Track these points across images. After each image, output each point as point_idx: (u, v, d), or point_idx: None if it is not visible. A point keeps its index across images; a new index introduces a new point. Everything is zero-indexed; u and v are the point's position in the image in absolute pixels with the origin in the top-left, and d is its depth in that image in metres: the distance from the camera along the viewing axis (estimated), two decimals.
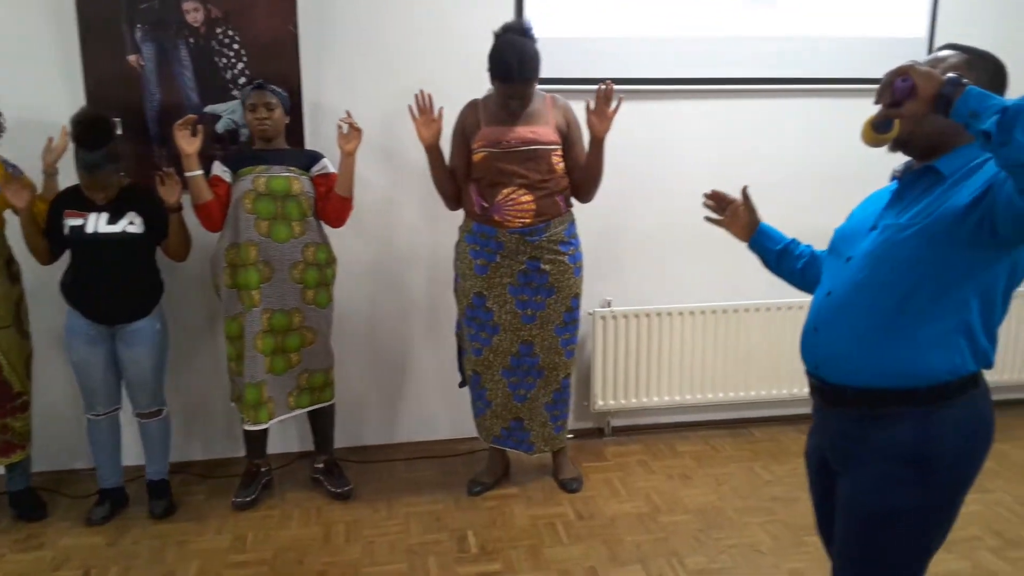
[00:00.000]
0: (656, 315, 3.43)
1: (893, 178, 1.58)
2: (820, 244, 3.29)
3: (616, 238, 3.36)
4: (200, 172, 2.78)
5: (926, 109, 1.25)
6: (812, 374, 1.61)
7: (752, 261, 3.67)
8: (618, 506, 2.95)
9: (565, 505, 2.95)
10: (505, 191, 2.76)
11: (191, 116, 2.79)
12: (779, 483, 3.13)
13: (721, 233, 2.25)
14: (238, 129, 3.10)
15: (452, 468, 3.25)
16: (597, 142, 2.77)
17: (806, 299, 3.72)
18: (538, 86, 2.78)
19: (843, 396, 1.52)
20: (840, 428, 1.56)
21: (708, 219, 2.04)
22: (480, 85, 3.12)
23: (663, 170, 3.41)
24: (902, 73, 1.26)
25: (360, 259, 3.26)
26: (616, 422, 3.59)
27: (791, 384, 3.58)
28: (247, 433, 2.96)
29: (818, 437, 1.68)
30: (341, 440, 3.24)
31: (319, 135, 3.11)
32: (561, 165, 2.81)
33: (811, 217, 3.53)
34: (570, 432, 3.22)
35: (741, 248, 3.80)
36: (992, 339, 1.47)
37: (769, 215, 3.55)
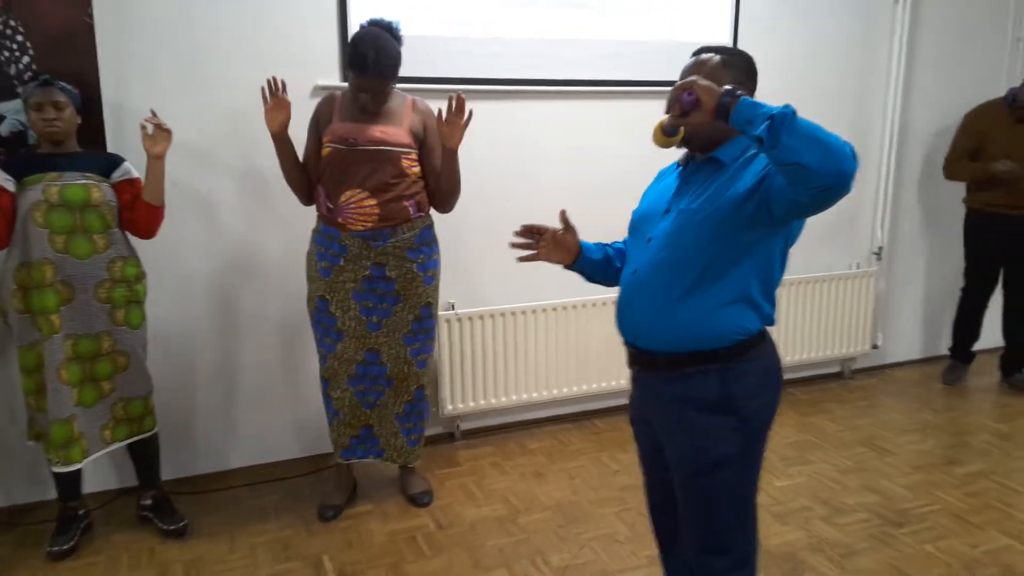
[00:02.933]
0: (500, 315, 3.41)
1: (679, 165, 1.78)
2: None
3: (457, 240, 3.29)
4: None
5: (709, 119, 1.43)
6: (629, 344, 1.77)
7: None
8: (476, 511, 2.90)
9: (423, 516, 2.86)
10: (348, 192, 2.62)
11: None
12: (626, 472, 3.21)
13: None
14: (26, 131, 2.72)
15: (298, 490, 3.06)
16: (449, 152, 2.66)
17: None
18: (397, 87, 2.68)
19: (656, 361, 1.70)
20: (658, 391, 1.73)
21: (521, 259, 1.89)
22: (302, 80, 2.96)
23: (507, 170, 3.40)
24: (687, 88, 1.43)
25: (173, 271, 2.96)
26: (465, 425, 3.54)
27: (628, 374, 3.69)
28: (57, 475, 2.62)
29: (640, 403, 1.84)
30: (168, 472, 2.94)
31: (123, 137, 2.80)
32: (415, 169, 2.69)
33: None
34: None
35: None
36: (772, 301, 1.69)
37: (620, 215, 3.64)
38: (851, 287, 4.16)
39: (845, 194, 1.39)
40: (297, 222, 2.92)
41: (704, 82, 1.42)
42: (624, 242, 1.95)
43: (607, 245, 1.95)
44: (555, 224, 1.88)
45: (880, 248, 4.29)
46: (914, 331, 4.58)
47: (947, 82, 4.26)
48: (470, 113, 2.62)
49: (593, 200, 3.53)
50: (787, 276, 3.63)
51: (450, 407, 3.39)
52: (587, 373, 3.63)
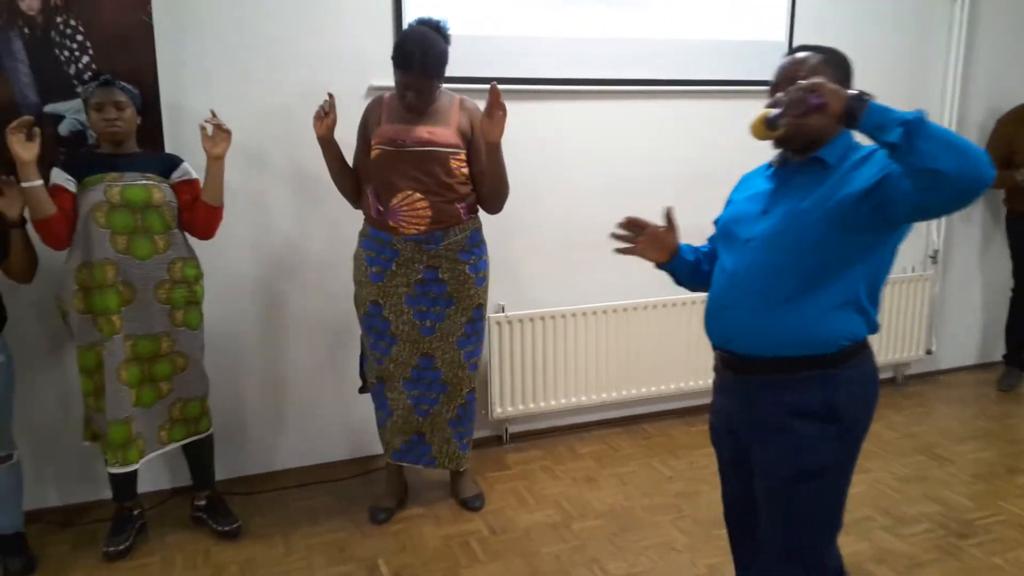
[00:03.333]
0: (551, 318, 3.38)
1: (771, 165, 1.74)
2: (698, 241, 3.37)
3: (507, 242, 3.26)
4: (40, 182, 2.40)
5: (832, 123, 1.42)
6: (722, 349, 1.72)
7: (640, 260, 3.65)
8: (529, 516, 2.86)
9: (476, 521, 2.83)
10: (400, 195, 2.59)
11: (27, 118, 2.40)
12: (679, 478, 3.16)
13: (605, 235, 2.16)
14: (85, 131, 2.74)
15: (349, 492, 3.04)
16: (491, 148, 2.60)
17: (692, 295, 3.81)
18: (444, 86, 2.65)
19: (755, 366, 1.65)
20: (754, 396, 1.67)
21: (619, 250, 1.88)
22: (356, 81, 2.95)
23: (553, 171, 3.37)
24: (815, 90, 1.38)
25: (222, 271, 2.95)
26: (514, 428, 3.51)
27: (678, 378, 3.65)
28: (113, 475, 2.63)
29: (728, 411, 1.78)
30: (219, 472, 2.94)
31: (180, 138, 2.81)
32: (464, 170, 2.64)
33: (702, 215, 3.61)
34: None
35: None
36: (878, 305, 1.66)
37: (644, 212, 3.60)
38: (906, 291, 4.06)
39: (977, 199, 1.40)
40: (346, 223, 2.91)
41: (832, 85, 1.38)
42: (709, 245, 1.92)
43: (696, 248, 1.93)
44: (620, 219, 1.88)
45: (936, 251, 4.19)
46: (969, 336, 4.47)
47: (1003, 83, 4.15)
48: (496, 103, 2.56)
49: (643, 200, 3.48)
50: None
51: (499, 410, 3.36)
52: (636, 377, 3.58)
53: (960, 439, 3.53)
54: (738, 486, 1.83)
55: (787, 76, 1.61)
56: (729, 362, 1.72)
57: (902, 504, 2.93)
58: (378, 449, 2.98)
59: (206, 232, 2.67)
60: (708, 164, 3.57)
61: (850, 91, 1.39)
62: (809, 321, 1.57)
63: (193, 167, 2.65)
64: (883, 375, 4.21)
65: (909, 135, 1.32)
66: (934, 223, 4.14)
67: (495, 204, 2.75)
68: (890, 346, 4.09)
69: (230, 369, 3.06)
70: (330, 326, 3.17)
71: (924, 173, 1.33)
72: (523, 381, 3.38)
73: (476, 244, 2.75)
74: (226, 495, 2.88)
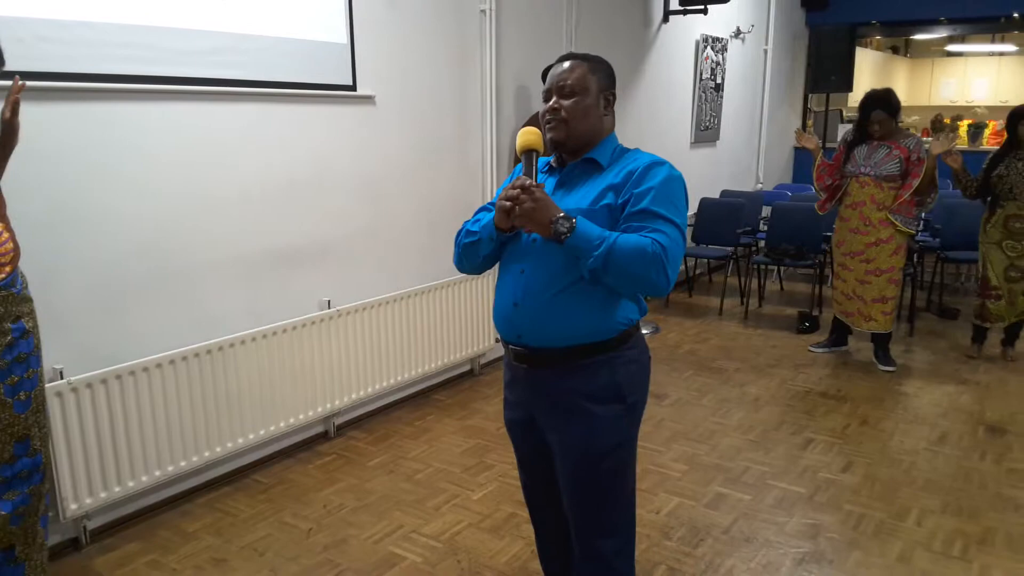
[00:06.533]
0: (129, 374, 2.67)
1: (547, 167, 1.84)
2: (281, 262, 3.03)
3: (52, 286, 2.47)
4: None
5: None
6: (515, 343, 1.77)
7: (237, 290, 3.18)
8: None
9: None
10: None
11: None
12: (321, 528, 2.79)
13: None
14: None
15: None
16: None
17: (275, 325, 3.37)
18: None
19: (548, 357, 1.73)
20: (549, 386, 1.76)
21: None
22: None
23: (101, 192, 2.63)
24: (524, 219, 1.60)
25: None
26: (93, 524, 2.71)
27: (286, 415, 3.25)
28: None
29: (524, 403, 1.84)
30: None
31: None
32: None
33: (274, 230, 3.22)
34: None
35: (207, 281, 3.23)
36: None
37: (226, 232, 3.18)
38: (474, 288, 4.24)
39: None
40: None
41: (543, 215, 1.57)
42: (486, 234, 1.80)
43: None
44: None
45: None
46: None
47: (526, 87, 4.60)
48: (16, 102, 1.94)
49: (223, 219, 3.01)
50: None
51: (74, 506, 2.56)
52: (240, 424, 3.07)
53: None
54: (538, 475, 1.92)
55: (558, 84, 1.73)
56: (522, 356, 1.77)
57: None
58: None
59: None
60: (295, 173, 3.24)
61: (557, 223, 1.56)
62: (592, 311, 1.68)
63: None
64: (461, 369, 4.38)
65: (596, 272, 1.57)
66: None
67: None
68: (467, 342, 4.25)
69: None
70: None
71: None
72: (102, 461, 2.63)
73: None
74: None
